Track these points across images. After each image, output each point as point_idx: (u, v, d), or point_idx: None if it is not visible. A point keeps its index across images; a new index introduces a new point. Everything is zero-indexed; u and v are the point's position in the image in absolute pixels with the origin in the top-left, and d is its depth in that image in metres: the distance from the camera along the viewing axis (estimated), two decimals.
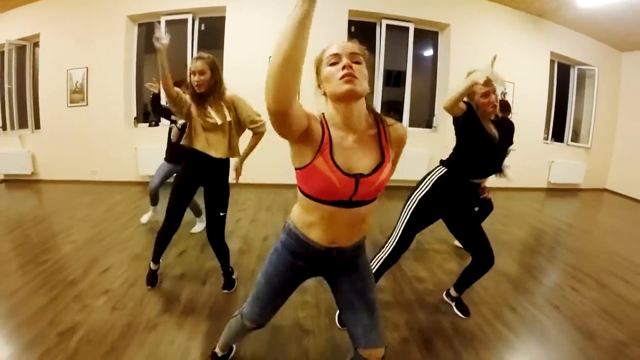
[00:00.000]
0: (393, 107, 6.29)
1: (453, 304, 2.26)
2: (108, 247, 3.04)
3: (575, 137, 6.56)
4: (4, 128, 5.61)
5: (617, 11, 4.90)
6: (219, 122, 2.04)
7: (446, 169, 1.97)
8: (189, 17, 5.28)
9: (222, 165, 2.19)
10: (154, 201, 3.57)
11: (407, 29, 5.57)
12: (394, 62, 5.88)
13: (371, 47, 5.59)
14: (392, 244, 2.00)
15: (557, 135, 6.55)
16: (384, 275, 2.16)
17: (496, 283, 2.64)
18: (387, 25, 5.50)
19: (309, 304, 2.22)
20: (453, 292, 2.26)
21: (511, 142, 2.74)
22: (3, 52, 5.42)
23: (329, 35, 5.58)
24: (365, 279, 1.21)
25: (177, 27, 5.39)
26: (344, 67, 0.91)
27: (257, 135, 2.23)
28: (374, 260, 2.05)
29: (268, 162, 5.17)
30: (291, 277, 1.21)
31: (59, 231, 3.41)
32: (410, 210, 1.98)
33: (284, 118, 0.84)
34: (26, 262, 2.71)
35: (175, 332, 1.91)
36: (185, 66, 5.51)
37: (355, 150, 0.99)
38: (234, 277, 2.42)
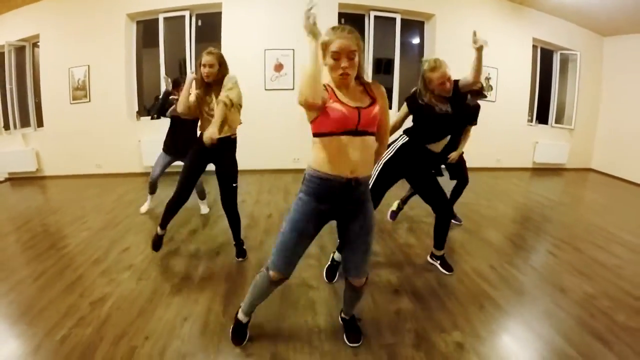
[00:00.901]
0: None
1: (437, 263, 2.55)
2: (124, 230, 3.26)
3: (559, 119, 6.84)
4: (7, 127, 5.76)
5: None
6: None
7: (407, 138, 2.35)
8: (186, 13, 5.44)
9: (228, 142, 2.45)
10: (153, 190, 3.72)
11: (394, 19, 5.78)
12: (383, 51, 6.10)
13: (361, 37, 5.77)
14: None
15: (541, 117, 6.83)
16: (376, 241, 2.46)
17: (478, 248, 2.94)
18: (375, 17, 5.71)
19: (313, 266, 2.51)
20: (436, 252, 2.55)
21: (470, 117, 3.09)
22: (3, 54, 5.56)
23: (321, 28, 5.81)
24: (368, 223, 1.52)
25: (174, 23, 5.56)
26: (342, 67, 1.30)
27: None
28: None
29: (267, 149, 5.44)
30: (314, 222, 1.46)
31: (73, 220, 3.59)
32: (377, 172, 2.32)
33: (315, 107, 1.31)
34: (47, 249, 2.89)
35: (198, 294, 2.17)
36: (184, 61, 5.70)
37: (352, 96, 1.38)
38: (244, 247, 2.70)
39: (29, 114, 5.86)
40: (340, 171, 1.36)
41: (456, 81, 2.23)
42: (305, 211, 1.44)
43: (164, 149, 3.53)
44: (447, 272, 2.47)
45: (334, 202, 1.43)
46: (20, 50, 5.71)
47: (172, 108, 3.25)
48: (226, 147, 2.44)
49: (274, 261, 1.51)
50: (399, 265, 2.59)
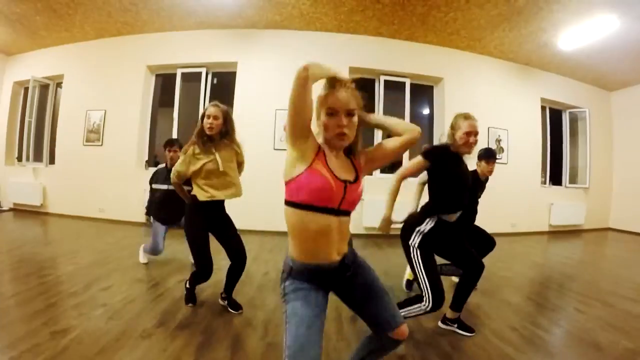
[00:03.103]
0: (395, 166, 6.41)
1: (454, 326, 2.20)
2: (111, 270, 3.08)
3: (573, 179, 6.66)
4: (20, 159, 5.91)
5: (598, 51, 5.27)
6: (221, 168, 2.23)
7: (429, 220, 2.08)
8: (203, 70, 5.69)
9: (223, 206, 2.39)
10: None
11: (403, 84, 5.91)
12: None
13: (371, 101, 5.82)
14: (429, 294, 1.97)
15: (555, 178, 6.67)
16: None
17: (497, 309, 2.59)
18: (385, 81, 5.85)
19: None
20: (450, 314, 2.22)
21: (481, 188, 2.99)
22: (27, 88, 5.89)
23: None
24: (370, 271, 1.32)
25: (190, 86, 5.79)
26: (339, 125, 1.12)
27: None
28: (409, 309, 2.04)
29: (271, 210, 5.21)
30: (317, 299, 1.19)
31: (64, 253, 3.52)
32: (419, 265, 2.03)
33: (306, 87, 1.07)
34: (28, 274, 2.82)
35: (169, 342, 1.91)
36: (196, 120, 5.81)
37: (340, 165, 1.20)
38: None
39: (43, 149, 6.04)
40: (328, 258, 1.18)
41: None
42: (302, 296, 1.17)
43: (160, 220, 3.28)
44: (468, 334, 2.13)
45: (328, 280, 1.23)
46: (44, 88, 6.07)
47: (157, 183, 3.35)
48: (222, 210, 2.39)
49: None
50: None
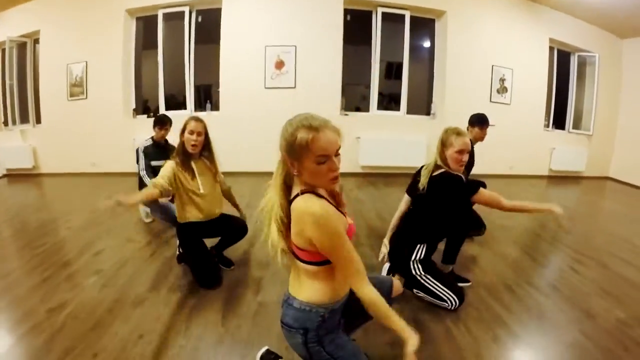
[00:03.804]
0: (393, 99, 6.22)
1: None
2: (104, 231, 3.09)
3: (577, 124, 6.45)
4: (6, 123, 5.70)
5: None
6: (202, 190, 2.15)
7: (419, 247, 2.00)
8: (186, 9, 5.29)
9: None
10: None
11: (403, 16, 5.50)
12: (395, 54, 5.80)
13: (367, 36, 5.52)
14: (450, 296, 1.92)
15: (558, 122, 6.46)
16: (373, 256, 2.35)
17: (493, 264, 2.59)
18: (383, 14, 5.42)
19: None
20: (444, 267, 2.21)
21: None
22: (4, 50, 5.51)
23: (325, 25, 5.53)
24: None
25: (174, 25, 5.44)
26: (333, 170, 1.01)
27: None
28: (431, 300, 1.98)
29: (265, 150, 5.10)
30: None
31: (57, 217, 3.50)
32: (431, 280, 1.96)
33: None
34: (23, 246, 2.80)
35: (162, 308, 1.92)
36: (182, 63, 5.50)
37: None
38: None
39: (29, 110, 5.80)
40: (345, 291, 1.17)
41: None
42: (340, 336, 1.17)
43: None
44: (465, 284, 2.16)
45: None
46: (21, 47, 5.68)
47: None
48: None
49: None
50: None
